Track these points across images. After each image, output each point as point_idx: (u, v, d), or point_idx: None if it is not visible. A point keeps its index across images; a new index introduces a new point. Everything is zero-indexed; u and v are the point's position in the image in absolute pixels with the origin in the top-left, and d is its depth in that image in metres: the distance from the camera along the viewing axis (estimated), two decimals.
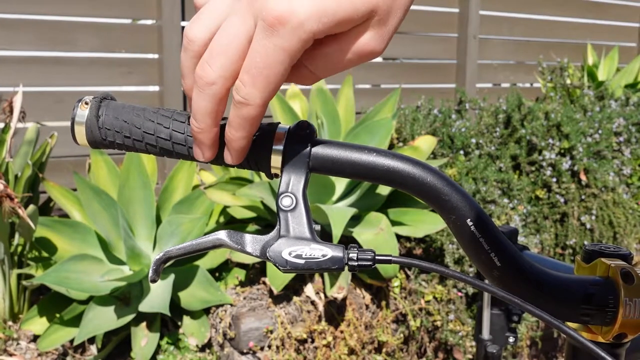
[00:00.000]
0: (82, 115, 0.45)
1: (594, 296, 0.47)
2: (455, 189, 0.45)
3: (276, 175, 0.45)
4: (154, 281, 0.45)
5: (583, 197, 2.74)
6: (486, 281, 0.49)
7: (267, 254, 0.43)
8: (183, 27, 2.68)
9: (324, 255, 0.42)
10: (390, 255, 0.43)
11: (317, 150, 0.45)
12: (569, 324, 0.51)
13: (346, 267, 0.43)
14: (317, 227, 0.44)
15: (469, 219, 0.45)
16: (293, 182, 0.44)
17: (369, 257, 0.43)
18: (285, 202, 0.43)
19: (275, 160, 0.44)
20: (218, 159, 0.45)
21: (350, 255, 0.43)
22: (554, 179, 2.72)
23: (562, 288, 0.48)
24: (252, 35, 0.39)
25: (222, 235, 0.44)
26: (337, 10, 0.38)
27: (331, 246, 0.42)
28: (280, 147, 0.44)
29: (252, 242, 0.44)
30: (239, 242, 0.44)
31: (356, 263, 0.42)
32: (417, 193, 0.45)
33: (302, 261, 0.42)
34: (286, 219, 0.43)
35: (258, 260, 2.12)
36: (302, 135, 0.45)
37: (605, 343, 0.49)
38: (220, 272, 2.18)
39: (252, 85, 0.39)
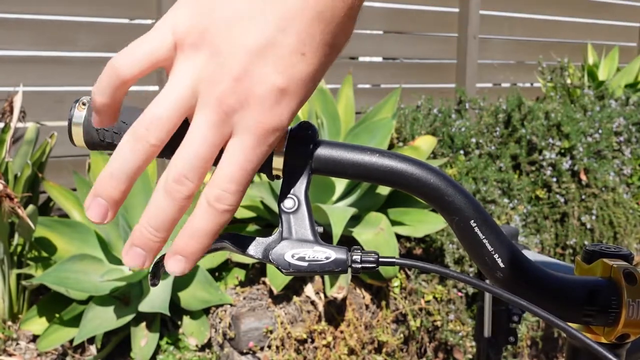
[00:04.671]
0: (80, 116, 0.45)
1: (597, 297, 0.47)
2: (458, 189, 0.44)
3: (277, 177, 0.45)
4: (154, 285, 0.44)
5: (583, 197, 2.74)
6: (487, 281, 0.49)
7: (270, 257, 0.42)
8: None
9: (327, 258, 0.42)
10: (394, 257, 0.43)
11: (319, 151, 0.44)
12: (571, 324, 0.51)
13: (349, 270, 0.42)
14: (320, 229, 0.43)
15: (472, 220, 0.44)
16: (295, 184, 0.43)
17: (373, 259, 0.42)
18: (288, 204, 0.43)
19: (277, 162, 0.44)
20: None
21: (354, 257, 0.42)
22: (554, 179, 2.72)
23: (565, 289, 0.47)
24: (225, 142, 0.39)
25: (224, 238, 0.44)
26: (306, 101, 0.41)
27: (334, 248, 0.42)
28: (282, 149, 0.43)
29: (254, 244, 0.44)
30: (240, 244, 0.44)
31: (360, 265, 0.42)
32: (420, 194, 0.44)
33: (305, 264, 0.42)
34: (288, 221, 0.43)
35: None
36: (304, 136, 0.44)
37: (607, 344, 0.49)
38: (220, 272, 2.18)
39: (238, 192, 0.39)
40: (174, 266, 0.40)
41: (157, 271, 0.44)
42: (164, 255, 0.44)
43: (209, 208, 0.39)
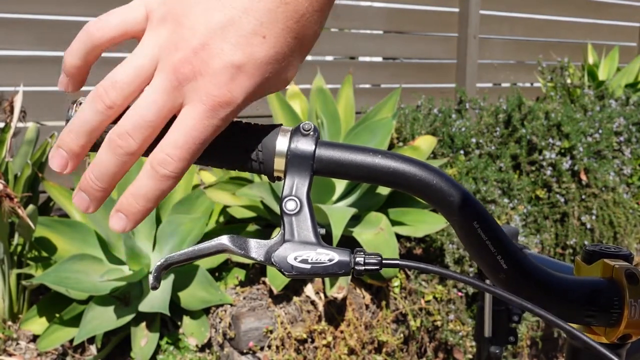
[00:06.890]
0: None
1: (598, 297, 0.47)
2: (460, 190, 0.44)
3: (279, 178, 0.44)
4: (155, 288, 0.44)
5: (583, 197, 2.74)
6: (487, 281, 0.49)
7: (272, 260, 0.42)
8: None
9: (330, 260, 0.41)
10: (397, 259, 0.43)
11: (321, 152, 0.44)
12: (572, 325, 0.51)
13: (353, 272, 0.42)
14: (322, 231, 0.43)
15: (475, 222, 0.44)
16: (297, 185, 0.43)
17: (376, 261, 0.42)
18: (290, 205, 0.42)
19: (279, 163, 0.43)
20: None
21: (357, 259, 0.42)
22: (554, 179, 2.72)
23: (567, 289, 0.47)
24: (175, 111, 0.40)
25: (225, 240, 0.43)
26: (268, 90, 0.42)
27: (337, 250, 0.41)
28: (284, 150, 0.43)
29: (256, 247, 0.43)
30: (242, 247, 0.43)
31: (363, 267, 0.42)
32: (422, 195, 0.44)
33: (308, 266, 0.41)
34: (291, 223, 0.42)
35: None
36: (306, 137, 0.44)
37: (608, 344, 0.49)
38: (220, 272, 2.18)
39: (182, 160, 0.40)
40: (115, 223, 0.42)
41: (159, 274, 0.44)
42: (166, 260, 0.43)
43: (152, 171, 0.40)
